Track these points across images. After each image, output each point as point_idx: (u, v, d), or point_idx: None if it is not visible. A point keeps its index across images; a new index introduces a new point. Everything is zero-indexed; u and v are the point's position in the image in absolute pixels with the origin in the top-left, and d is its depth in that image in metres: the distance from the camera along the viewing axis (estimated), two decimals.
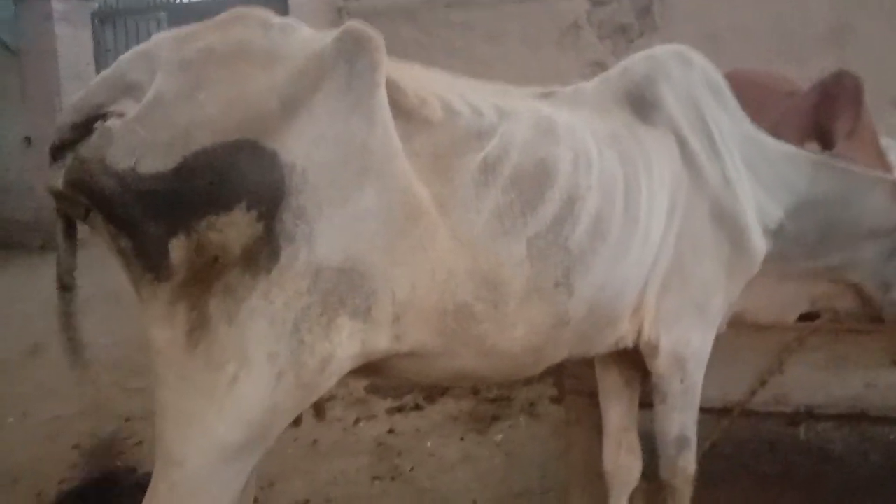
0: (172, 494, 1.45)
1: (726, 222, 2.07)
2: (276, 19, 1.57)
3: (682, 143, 2.05)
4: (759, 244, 2.15)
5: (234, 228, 1.39)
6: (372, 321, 1.54)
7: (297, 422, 1.66)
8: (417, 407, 4.22)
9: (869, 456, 3.48)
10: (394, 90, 1.58)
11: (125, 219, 1.38)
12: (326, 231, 1.45)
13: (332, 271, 1.46)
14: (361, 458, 3.63)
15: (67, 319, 1.61)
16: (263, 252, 1.41)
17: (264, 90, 1.43)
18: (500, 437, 3.81)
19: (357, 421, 4.07)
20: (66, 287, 1.57)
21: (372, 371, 1.73)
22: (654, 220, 1.94)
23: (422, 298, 1.59)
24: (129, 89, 1.43)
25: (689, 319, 2.08)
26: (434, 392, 4.38)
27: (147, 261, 1.40)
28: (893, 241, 2.36)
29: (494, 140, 1.70)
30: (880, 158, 2.78)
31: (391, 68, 1.60)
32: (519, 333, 1.73)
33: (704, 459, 2.64)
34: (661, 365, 2.10)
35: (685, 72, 2.13)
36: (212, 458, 1.45)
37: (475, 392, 4.38)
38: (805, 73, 6.62)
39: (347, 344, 1.51)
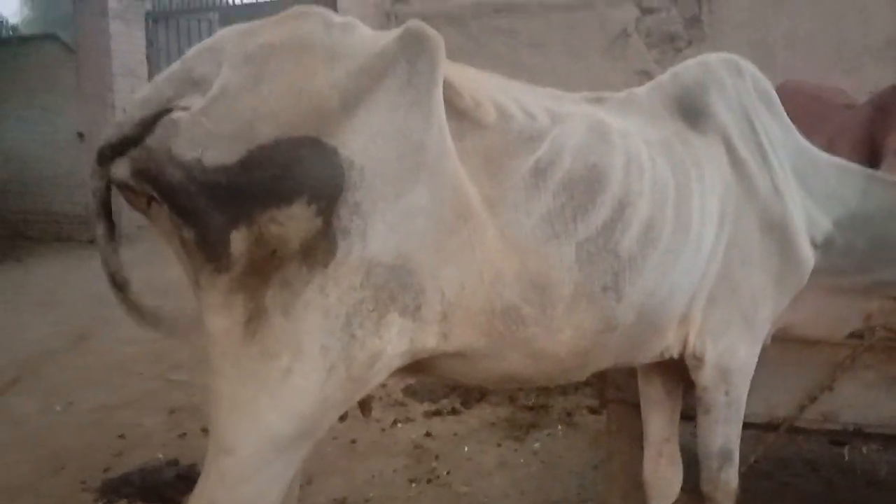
0: (223, 482, 1.47)
1: (775, 232, 2.05)
2: (338, 18, 1.59)
3: (732, 151, 2.03)
4: (808, 255, 2.12)
5: (293, 222, 1.41)
6: (421, 319, 1.55)
7: (341, 417, 1.68)
8: (454, 411, 4.23)
9: None
10: (450, 90, 1.60)
11: (189, 209, 1.40)
12: (380, 227, 1.47)
13: (383, 267, 1.48)
14: (399, 459, 3.64)
15: (133, 313, 1.60)
16: (321, 246, 1.43)
17: (326, 86, 1.45)
18: (537, 444, 3.79)
19: (395, 423, 4.09)
20: (120, 285, 1.57)
21: (418, 370, 1.74)
22: (705, 228, 1.92)
23: (470, 298, 1.60)
24: (196, 84, 1.45)
25: (737, 331, 2.05)
26: (471, 397, 4.38)
27: (208, 251, 1.42)
28: None
29: (546, 144, 1.70)
30: None
31: (448, 69, 1.61)
32: (566, 337, 1.72)
33: (746, 476, 2.60)
34: (706, 377, 2.07)
35: (736, 80, 2.12)
36: (263, 448, 1.47)
37: (512, 399, 4.38)
38: (862, 85, 6.52)
39: (397, 341, 1.52)
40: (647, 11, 7.11)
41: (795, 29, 6.61)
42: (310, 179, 1.42)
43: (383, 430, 4.01)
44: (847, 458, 3.49)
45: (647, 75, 6.38)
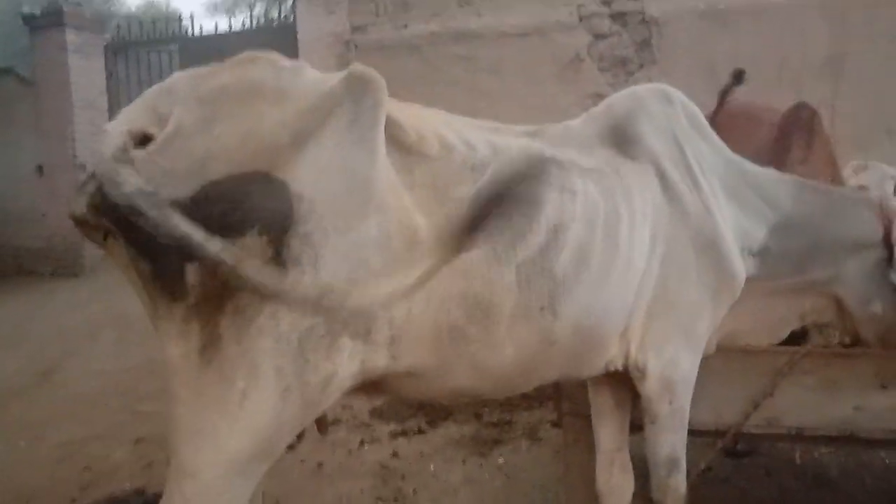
0: None
1: (708, 249, 2.17)
2: (287, 61, 1.69)
3: (663, 176, 2.16)
4: (740, 269, 2.25)
5: (246, 253, 1.49)
6: (371, 342, 1.64)
7: (299, 437, 1.74)
8: (420, 431, 4.29)
9: (864, 480, 3.53)
10: (394, 126, 1.70)
11: (145, 243, 1.47)
12: (330, 257, 1.55)
13: (334, 294, 1.56)
14: (365, 480, 3.70)
15: None
16: (274, 276, 1.50)
17: (275, 125, 1.55)
18: (501, 460, 3.87)
19: (361, 444, 4.15)
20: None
21: (371, 390, 1.83)
22: (635, 248, 2.04)
23: (417, 321, 1.70)
24: (160, 121, 1.53)
25: (677, 343, 2.17)
26: (437, 416, 4.45)
27: (164, 282, 1.49)
28: (874, 256, 2.48)
29: (487, 173, 1.82)
30: (835, 182, 3.00)
31: (393, 107, 1.72)
32: (508, 352, 1.83)
33: (702, 483, 2.71)
34: (650, 388, 2.18)
35: (665, 108, 2.26)
36: (223, 470, 1.52)
37: (477, 416, 4.45)
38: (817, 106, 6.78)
39: (348, 363, 1.61)
40: (599, 37, 7.33)
41: (739, 51, 6.86)
42: (261, 212, 1.49)
43: (350, 451, 4.06)
44: (798, 461, 3.63)
45: (600, 98, 6.55)
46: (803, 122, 3.04)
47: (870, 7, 6.71)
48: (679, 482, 2.30)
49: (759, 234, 2.35)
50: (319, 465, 3.88)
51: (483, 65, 7.67)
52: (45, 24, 9.52)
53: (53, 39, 9.47)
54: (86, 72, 9.59)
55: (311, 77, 1.68)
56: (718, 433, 2.65)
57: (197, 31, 10.06)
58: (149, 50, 10.11)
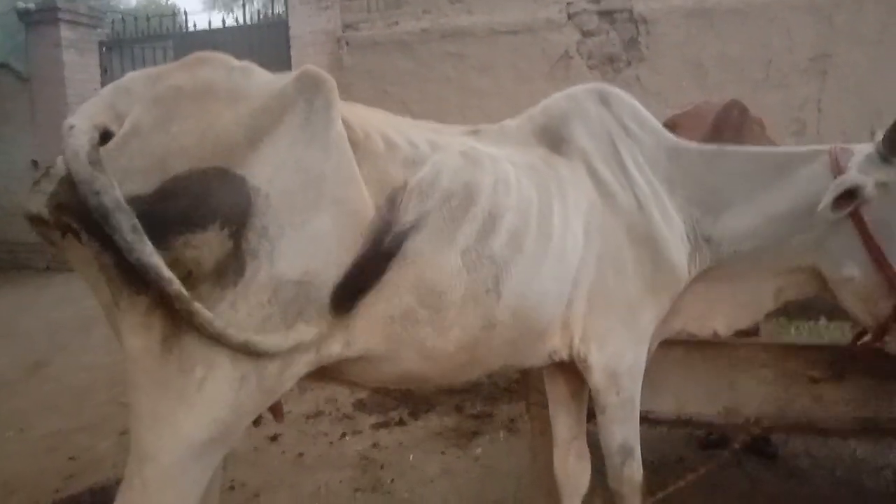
0: (145, 490, 1.57)
1: (644, 243, 2.22)
2: (237, 62, 1.75)
3: (594, 174, 2.23)
4: (679, 262, 2.27)
5: (207, 246, 1.54)
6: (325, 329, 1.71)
7: (256, 422, 1.80)
8: (402, 422, 4.36)
9: (834, 472, 3.60)
10: (344, 126, 1.77)
11: (107, 237, 1.49)
12: (286, 250, 1.61)
13: (291, 284, 1.62)
14: (345, 471, 3.76)
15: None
16: (231, 266, 1.57)
17: (231, 124, 1.61)
18: (479, 451, 3.94)
19: (343, 435, 4.21)
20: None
21: (323, 376, 1.90)
22: (567, 238, 2.11)
23: (370, 308, 1.78)
24: (118, 118, 1.57)
25: (619, 336, 2.21)
26: (419, 409, 4.52)
27: (127, 275, 1.52)
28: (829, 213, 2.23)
29: (427, 167, 1.91)
30: None
31: (340, 107, 1.78)
32: (454, 335, 1.91)
33: (671, 474, 2.77)
34: (596, 380, 2.24)
35: (599, 108, 2.32)
36: (181, 455, 1.58)
37: (459, 409, 4.52)
38: (789, 100, 6.85)
39: (304, 350, 1.69)
40: (587, 34, 7.40)
41: (726, 49, 6.94)
42: (222, 206, 1.54)
43: (331, 443, 4.12)
44: (769, 452, 3.69)
45: None
46: (733, 121, 3.09)
47: (856, 7, 6.77)
48: (634, 470, 2.34)
49: (708, 220, 2.33)
50: (300, 455, 3.95)
51: (474, 62, 7.74)
52: (41, 19, 9.60)
53: (48, 35, 9.56)
54: (81, 67, 9.67)
55: (263, 78, 1.75)
56: (679, 422, 2.73)
57: (192, 27, 10.12)
58: (143, 46, 10.17)
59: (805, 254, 2.31)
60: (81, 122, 1.54)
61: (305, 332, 1.66)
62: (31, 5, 9.70)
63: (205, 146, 1.57)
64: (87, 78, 9.74)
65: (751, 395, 2.67)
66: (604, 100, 2.34)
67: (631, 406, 2.29)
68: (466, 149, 2.05)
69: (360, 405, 4.60)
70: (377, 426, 4.32)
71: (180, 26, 10.30)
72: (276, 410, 2.00)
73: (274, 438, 4.15)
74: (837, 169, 2.21)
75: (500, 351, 2.05)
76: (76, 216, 1.52)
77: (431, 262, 1.83)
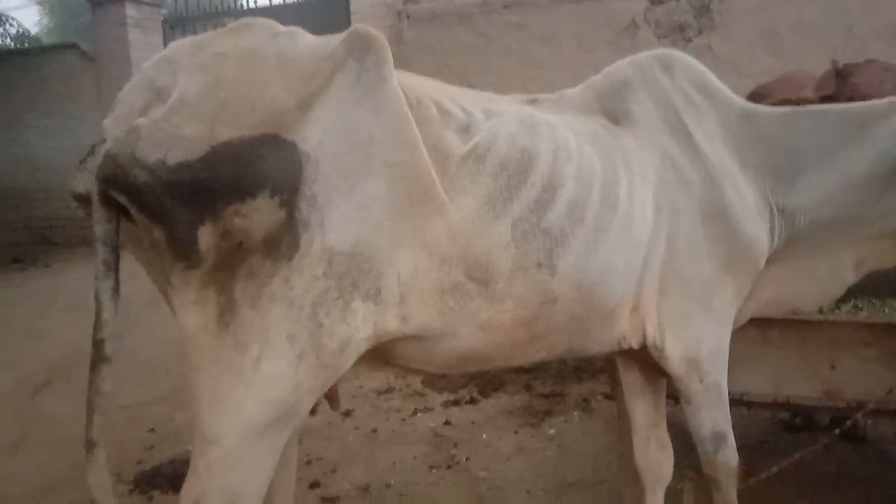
0: (210, 471, 1.55)
1: (717, 220, 2.09)
2: (282, 28, 1.70)
3: (660, 146, 2.11)
4: (756, 237, 2.14)
5: (257, 215, 1.49)
6: (381, 302, 1.64)
7: (312, 411, 1.75)
8: (472, 401, 4.34)
9: None
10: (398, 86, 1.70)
11: (157, 209, 1.46)
12: (335, 217, 1.56)
13: (343, 256, 1.57)
14: (419, 447, 3.76)
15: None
16: (285, 239, 1.51)
17: (280, 89, 1.55)
18: (553, 430, 3.89)
19: (415, 412, 4.21)
20: (102, 358, 1.61)
21: (385, 361, 1.85)
22: (636, 211, 1.99)
23: (423, 279, 1.70)
24: (159, 94, 1.55)
25: (697, 320, 2.10)
26: (488, 387, 4.49)
27: (178, 249, 1.48)
28: None
29: (482, 133, 1.83)
30: None
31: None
32: (508, 307, 1.82)
33: (757, 457, 2.67)
34: (675, 368, 2.12)
35: (665, 76, 2.18)
36: (243, 436, 1.55)
37: (529, 388, 4.48)
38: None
39: (363, 326, 1.62)
40: (656, 2, 7.15)
41: (803, 15, 6.62)
42: (272, 172, 1.50)
43: (403, 419, 4.13)
44: (861, 436, 3.54)
45: None
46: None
47: None
48: (729, 456, 2.24)
49: (782, 188, 2.20)
50: (374, 431, 3.96)
51: (536, 33, 7.56)
52: None
53: (114, 14, 9.68)
54: (145, 46, 9.77)
55: (310, 41, 1.69)
56: (776, 405, 2.63)
57: (252, 4, 10.16)
58: (205, 24, 10.24)
59: (891, 217, 2.19)
60: (120, 107, 1.55)
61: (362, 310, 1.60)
62: None
63: (255, 112, 1.52)
64: (152, 56, 9.86)
65: (852, 376, 2.54)
66: (668, 67, 2.20)
67: (717, 391, 2.18)
68: (524, 116, 1.96)
69: (430, 382, 4.59)
70: (448, 403, 4.31)
71: (241, 4, 10.35)
72: (332, 398, 1.94)
73: (347, 414, 4.17)
74: None
75: (563, 329, 1.96)
76: (119, 188, 1.48)
77: (481, 231, 1.76)
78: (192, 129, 1.47)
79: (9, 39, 15.37)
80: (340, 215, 1.56)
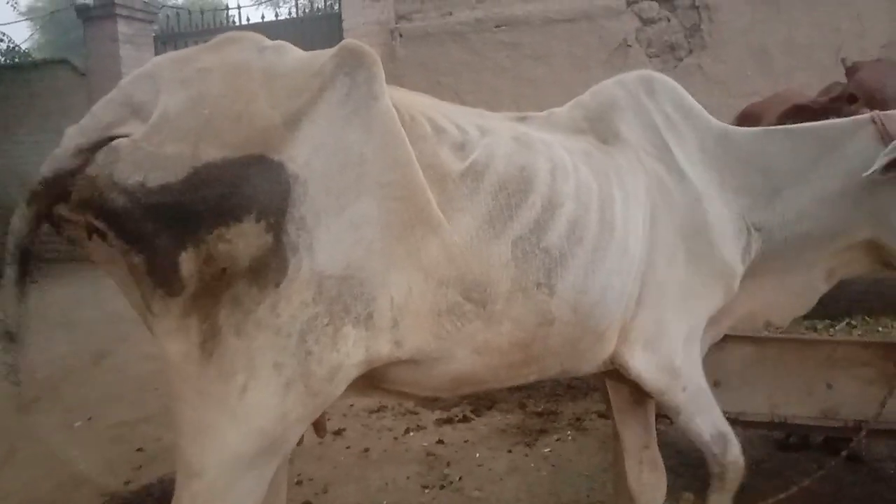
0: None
1: (696, 239, 2.09)
2: (268, 42, 1.64)
3: (645, 167, 2.11)
4: (733, 256, 2.15)
5: (243, 239, 1.42)
6: (373, 327, 1.58)
7: (298, 441, 1.68)
8: (465, 419, 4.29)
9: None
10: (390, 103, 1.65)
11: (136, 234, 1.40)
12: (325, 240, 1.49)
13: (334, 280, 1.50)
14: (411, 466, 3.70)
15: (11, 370, 1.56)
16: (272, 264, 1.44)
17: (267, 106, 1.50)
18: (547, 450, 3.84)
19: (407, 431, 4.16)
20: (10, 337, 1.54)
21: (375, 386, 1.79)
22: (629, 230, 1.99)
23: (418, 302, 1.65)
24: (136, 111, 1.47)
25: (672, 331, 2.08)
26: (481, 405, 4.45)
27: (158, 275, 1.42)
28: (890, 182, 2.15)
29: (479, 150, 1.79)
30: None
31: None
32: (506, 329, 1.78)
33: (753, 476, 2.64)
34: (654, 381, 2.08)
35: (648, 99, 2.20)
36: (228, 468, 1.48)
37: (522, 406, 4.44)
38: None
39: (353, 352, 1.56)
40: (647, 22, 7.22)
41: (793, 35, 6.70)
42: (258, 195, 1.43)
43: (396, 438, 4.07)
44: (853, 455, 3.52)
45: None
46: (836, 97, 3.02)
47: None
48: (737, 455, 2.20)
49: (758, 207, 2.22)
50: (366, 450, 3.91)
51: (528, 52, 7.62)
52: (98, 14, 9.75)
53: (106, 30, 9.71)
54: (136, 62, 9.76)
55: (298, 56, 1.64)
56: (773, 424, 2.60)
57: (244, 21, 10.18)
58: (196, 40, 10.26)
59: (861, 228, 2.22)
60: (88, 118, 1.47)
61: (354, 336, 1.55)
62: (90, 1, 9.86)
63: (240, 131, 1.46)
64: None
65: (850, 396, 2.53)
66: (650, 90, 2.22)
67: (704, 395, 2.16)
68: (518, 134, 1.94)
69: (422, 401, 4.53)
70: (441, 422, 4.26)
71: (233, 21, 10.37)
72: (318, 425, 1.89)
73: (338, 433, 4.12)
74: (888, 136, 2.13)
75: (557, 351, 1.93)
76: (95, 212, 1.42)
77: (480, 251, 1.72)
78: (175, 148, 1.41)
79: (0, 55, 15.33)
80: (330, 237, 1.50)
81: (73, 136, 1.46)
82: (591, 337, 1.97)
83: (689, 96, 2.31)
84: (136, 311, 1.57)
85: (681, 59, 7.05)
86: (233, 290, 1.43)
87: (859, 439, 2.47)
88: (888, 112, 2.24)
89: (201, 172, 1.40)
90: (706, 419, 2.18)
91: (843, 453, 2.47)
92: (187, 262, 1.41)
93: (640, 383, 2.11)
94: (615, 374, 2.18)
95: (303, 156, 1.49)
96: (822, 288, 2.35)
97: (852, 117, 2.29)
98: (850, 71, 3.16)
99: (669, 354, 2.08)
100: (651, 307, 2.05)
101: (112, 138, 1.44)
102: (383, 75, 1.63)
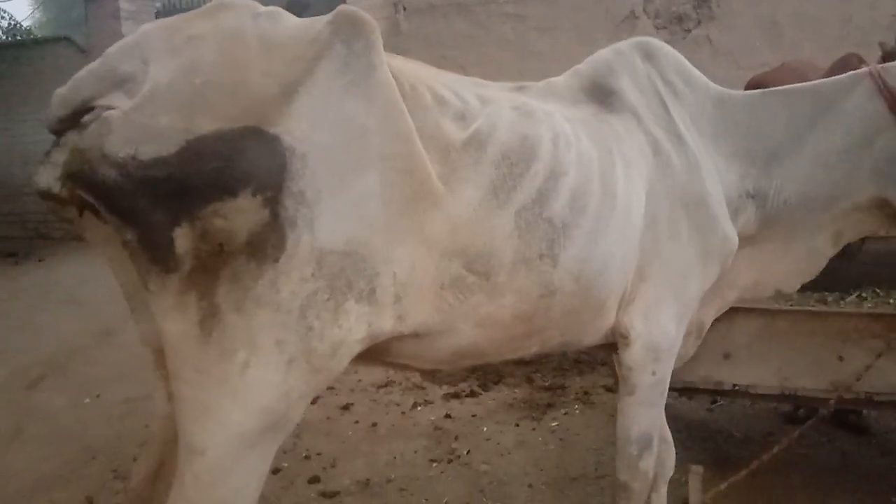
0: (197, 483, 1.47)
1: (696, 208, 2.07)
2: (262, 7, 1.58)
3: (646, 131, 2.08)
4: (730, 230, 2.12)
5: (239, 215, 1.38)
6: (376, 302, 1.56)
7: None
8: (473, 394, 4.29)
9: None
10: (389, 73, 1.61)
11: (128, 209, 1.36)
12: (327, 215, 1.46)
13: (336, 255, 1.47)
14: (419, 441, 3.72)
15: None
16: (269, 240, 1.41)
17: (262, 76, 1.44)
18: (554, 423, 3.85)
19: (415, 405, 4.16)
20: None
21: (377, 358, 1.77)
22: (632, 199, 1.96)
23: (420, 276, 1.63)
24: (121, 81, 1.41)
25: (667, 308, 2.05)
26: (489, 380, 4.45)
27: (153, 252, 1.38)
28: (890, 137, 2.13)
29: (480, 120, 1.76)
30: None
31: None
32: (508, 302, 1.77)
33: (760, 448, 2.63)
34: (634, 354, 2.06)
35: (647, 63, 2.18)
36: (232, 446, 1.46)
37: (530, 380, 4.44)
38: (869, 60, 6.48)
39: (356, 327, 1.54)
40: None
41: (803, 7, 6.60)
42: (254, 169, 1.39)
43: (403, 413, 4.08)
44: (861, 427, 3.52)
45: None
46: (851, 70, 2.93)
47: None
48: (650, 465, 2.17)
49: (754, 172, 2.19)
50: (374, 425, 3.92)
51: (534, 24, 7.52)
52: None
53: (107, 7, 9.62)
54: None
55: (294, 23, 1.58)
56: (782, 397, 2.59)
57: None
58: None
59: (864, 188, 2.18)
60: (69, 87, 1.42)
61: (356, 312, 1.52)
62: None
63: (234, 102, 1.41)
64: None
65: (861, 368, 2.51)
66: (648, 54, 2.20)
67: (663, 388, 2.13)
68: (518, 103, 1.91)
69: (429, 375, 4.53)
70: (448, 397, 4.26)
71: None
72: None
73: (346, 408, 4.13)
74: (886, 89, 2.10)
75: (559, 322, 1.91)
76: (86, 186, 1.37)
77: (483, 222, 1.69)
78: (167, 120, 1.36)
79: (1, 33, 15.26)
80: (332, 213, 1.46)
81: (56, 105, 1.43)
82: (593, 308, 1.95)
83: (687, 61, 2.28)
84: (124, 294, 1.53)
85: (689, 31, 6.95)
86: (231, 266, 1.40)
87: (829, 407, 2.45)
88: (885, 65, 2.20)
89: (195, 145, 1.35)
90: (648, 414, 2.14)
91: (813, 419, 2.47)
92: (182, 238, 1.37)
93: (622, 353, 2.08)
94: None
95: (301, 128, 1.45)
96: (830, 252, 2.31)
97: (849, 73, 2.24)
98: (890, 55, 3.03)
99: (659, 333, 2.06)
100: (653, 280, 2.03)
101: (92, 109, 1.39)
102: (381, 43, 1.58)
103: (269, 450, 1.55)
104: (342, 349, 1.54)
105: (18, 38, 13.81)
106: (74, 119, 1.41)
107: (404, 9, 7.84)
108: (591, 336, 2.07)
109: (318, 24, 1.55)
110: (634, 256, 1.99)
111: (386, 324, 1.60)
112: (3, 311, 6.67)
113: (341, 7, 1.57)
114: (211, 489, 1.47)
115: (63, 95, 1.43)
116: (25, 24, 17.93)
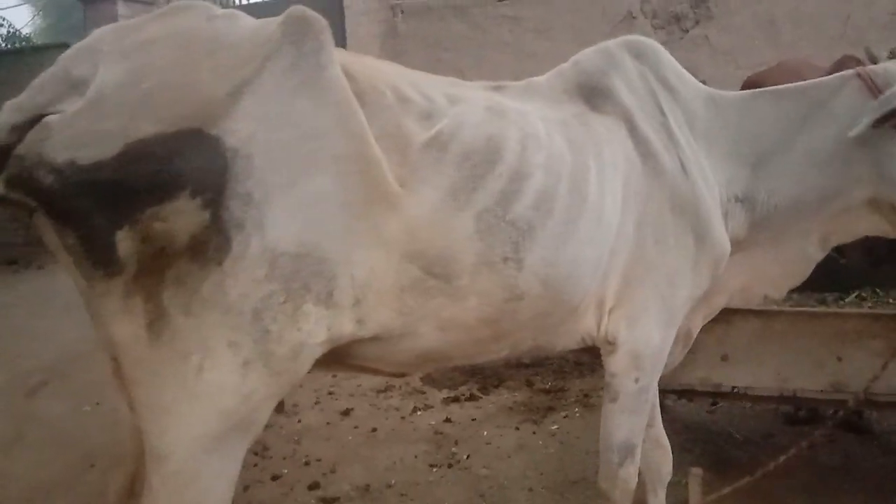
0: (165, 488, 1.46)
1: (687, 212, 2.02)
2: (220, 10, 1.58)
3: (635, 132, 2.04)
4: (721, 236, 2.09)
5: (179, 217, 1.37)
6: (334, 306, 1.54)
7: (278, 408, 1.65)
8: (472, 397, 4.28)
9: None
10: (347, 77, 1.59)
11: (68, 213, 1.36)
12: (277, 216, 1.44)
13: (289, 257, 1.46)
14: (419, 445, 3.70)
15: None
16: (212, 242, 1.40)
17: (209, 77, 1.43)
18: (555, 427, 3.84)
19: (414, 410, 4.15)
20: None
21: (340, 362, 1.75)
22: (606, 200, 1.92)
23: (380, 279, 1.61)
24: (74, 86, 1.40)
25: (654, 315, 2.02)
26: (489, 384, 4.44)
27: (95, 255, 1.38)
28: (884, 134, 2.07)
29: (446, 120, 1.73)
30: None
31: (343, 57, 1.62)
32: (472, 305, 1.74)
33: (761, 450, 2.63)
34: (618, 361, 2.04)
35: (637, 62, 2.14)
36: (195, 449, 1.45)
37: (529, 384, 4.43)
38: (865, 61, 6.47)
39: (316, 330, 1.52)
40: None
41: (801, 5, 6.58)
42: (192, 171, 1.37)
43: (403, 417, 4.07)
44: (863, 428, 3.51)
45: None
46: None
47: None
48: (631, 473, 2.14)
49: (744, 175, 2.15)
50: (373, 430, 3.91)
51: (530, 25, 7.51)
52: None
53: (105, 12, 9.60)
54: None
55: (248, 24, 1.57)
56: (782, 399, 2.58)
57: (243, 2, 10.07)
58: None
59: (856, 189, 2.14)
60: (25, 94, 1.41)
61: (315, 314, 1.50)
62: None
63: (181, 105, 1.39)
64: None
65: (860, 369, 2.50)
66: (639, 53, 2.15)
67: (646, 396, 2.10)
68: (491, 103, 1.88)
69: (428, 380, 4.53)
70: (448, 401, 4.25)
71: (232, 0, 10.26)
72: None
73: (346, 413, 4.13)
74: (876, 89, 2.06)
75: (528, 326, 1.88)
76: (25, 190, 1.37)
77: (443, 224, 1.67)
78: (109, 124, 1.34)
79: (0, 40, 15.25)
80: (283, 213, 1.44)
81: (9, 111, 1.41)
82: (564, 311, 1.92)
83: (675, 60, 2.24)
84: (81, 294, 1.52)
85: (687, 31, 6.94)
86: (175, 269, 1.39)
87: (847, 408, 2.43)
88: (873, 66, 2.18)
89: (133, 148, 1.34)
90: (630, 422, 2.11)
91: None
92: (124, 242, 1.37)
93: (606, 358, 2.07)
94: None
95: (245, 129, 1.43)
96: (817, 256, 2.28)
97: (838, 73, 2.22)
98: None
99: (643, 339, 2.03)
100: (638, 285, 2.00)
101: (48, 114, 1.38)
102: (332, 43, 1.56)
103: (235, 451, 1.53)
104: (303, 352, 1.53)
105: (18, 45, 13.79)
106: (27, 126, 1.39)
107: (402, 11, 7.84)
108: (566, 340, 2.04)
109: (271, 24, 1.55)
110: (615, 259, 1.96)
111: (346, 327, 1.59)
112: (4, 318, 6.66)
113: (293, 7, 1.56)
114: (179, 493, 1.46)
115: (17, 102, 1.42)
116: (25, 31, 17.95)
